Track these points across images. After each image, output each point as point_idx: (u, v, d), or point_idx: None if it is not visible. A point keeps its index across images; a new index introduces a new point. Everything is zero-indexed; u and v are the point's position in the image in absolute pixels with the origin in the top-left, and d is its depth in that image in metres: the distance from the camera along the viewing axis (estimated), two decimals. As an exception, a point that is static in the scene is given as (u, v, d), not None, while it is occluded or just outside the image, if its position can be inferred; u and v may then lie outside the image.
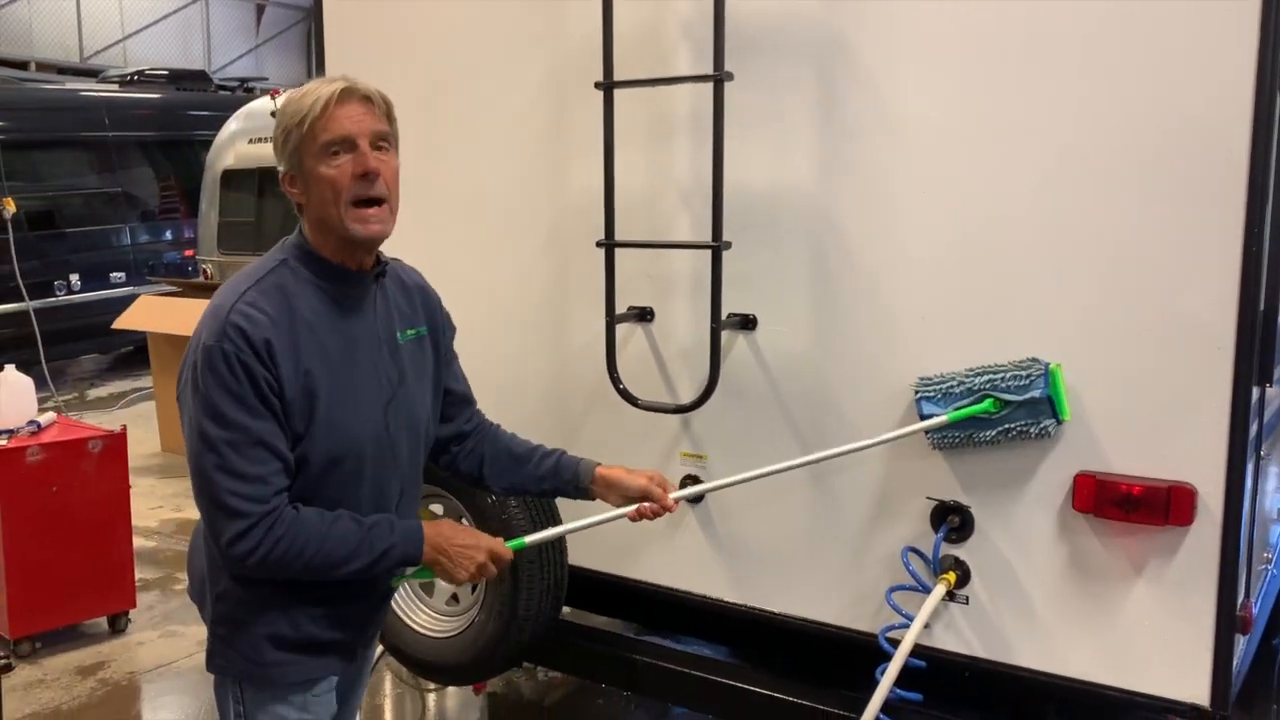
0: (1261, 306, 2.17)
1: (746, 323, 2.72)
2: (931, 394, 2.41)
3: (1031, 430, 2.32)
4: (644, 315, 2.88)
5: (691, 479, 2.85)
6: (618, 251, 2.77)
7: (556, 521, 2.85)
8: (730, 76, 2.54)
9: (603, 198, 2.73)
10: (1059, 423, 2.31)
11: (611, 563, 3.01)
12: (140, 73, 11.42)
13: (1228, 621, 2.24)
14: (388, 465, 1.98)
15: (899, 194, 2.50)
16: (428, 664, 3.03)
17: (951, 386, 2.39)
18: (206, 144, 10.90)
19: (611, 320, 2.79)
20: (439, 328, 2.15)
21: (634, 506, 2.18)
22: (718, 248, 2.60)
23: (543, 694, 4.17)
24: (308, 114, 1.84)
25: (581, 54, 2.85)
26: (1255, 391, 2.22)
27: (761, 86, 2.62)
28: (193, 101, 11.63)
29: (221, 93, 12.15)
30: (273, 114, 8.01)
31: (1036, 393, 2.28)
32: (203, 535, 1.98)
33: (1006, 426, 2.34)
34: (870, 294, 2.56)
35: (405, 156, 3.30)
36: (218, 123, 10.04)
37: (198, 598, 2.05)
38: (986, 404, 2.33)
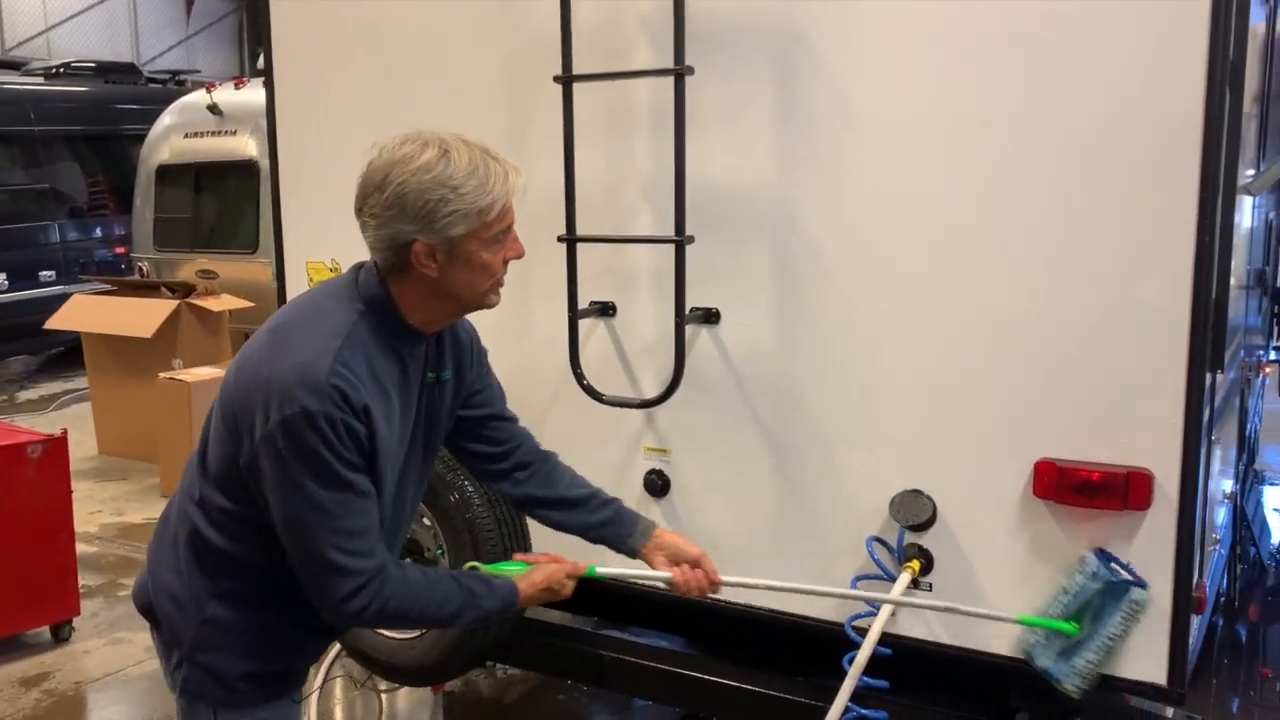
0: (1214, 295, 2.22)
1: (710, 317, 2.73)
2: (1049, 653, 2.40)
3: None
4: (606, 310, 2.87)
5: (656, 473, 2.86)
6: (580, 246, 2.76)
7: (524, 530, 2.84)
8: (691, 70, 2.54)
9: (563, 192, 2.72)
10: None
11: (576, 557, 2.99)
12: (67, 65, 11.11)
13: (1184, 602, 2.30)
14: (399, 508, 2.00)
15: (858, 187, 2.52)
16: (390, 666, 3.00)
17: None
18: (136, 139, 10.63)
19: (574, 315, 2.78)
20: (464, 363, 2.09)
21: (681, 568, 2.16)
22: (681, 242, 2.60)
23: (501, 692, 4.15)
24: (491, 203, 1.78)
25: (539, 46, 2.83)
26: (1208, 378, 2.28)
27: (722, 80, 2.63)
28: (122, 95, 11.33)
29: (152, 86, 11.86)
30: (210, 108, 7.83)
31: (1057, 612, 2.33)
32: (182, 543, 1.92)
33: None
34: (831, 287, 2.58)
35: (357, 146, 3.27)
36: (148, 117, 9.79)
37: (170, 621, 1.95)
38: (1070, 626, 2.35)
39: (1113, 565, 2.32)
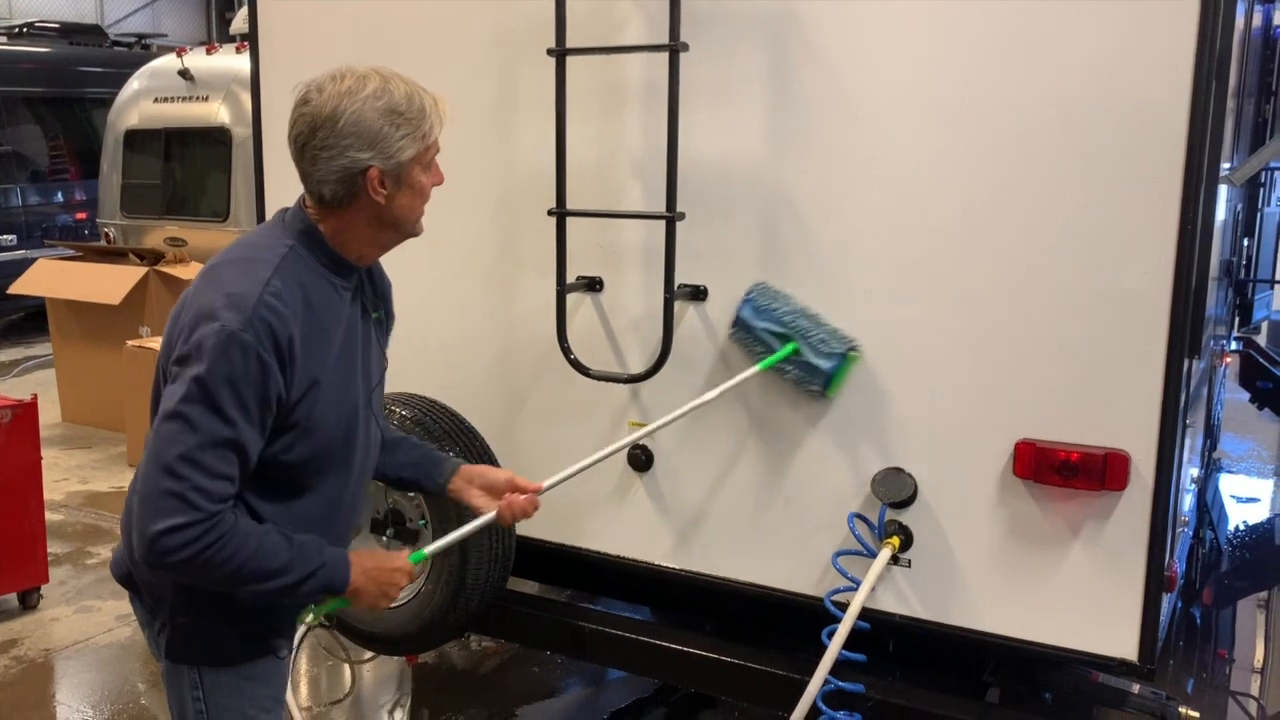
0: (1194, 282, 2.28)
1: (697, 294, 2.75)
2: (758, 302, 2.60)
3: (802, 385, 2.59)
4: (593, 285, 2.88)
5: (639, 448, 2.88)
6: (568, 221, 2.76)
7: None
8: (685, 47, 2.55)
9: (554, 166, 2.72)
10: (824, 395, 2.58)
11: (559, 532, 3.03)
12: (30, 25, 10.88)
13: (1156, 581, 2.37)
14: (363, 452, 2.00)
15: (847, 169, 2.55)
16: (370, 635, 3.01)
17: (775, 308, 2.59)
18: (99, 102, 10.44)
19: (562, 290, 2.79)
20: (389, 313, 2.14)
21: (504, 501, 2.15)
22: (671, 218, 2.62)
23: (476, 664, 4.18)
24: (432, 125, 1.86)
25: (531, 18, 2.82)
26: (1186, 363, 2.33)
27: (715, 58, 2.64)
28: (86, 57, 11.13)
29: (117, 49, 11.65)
30: (181, 73, 7.71)
31: (825, 365, 2.53)
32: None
33: (785, 369, 2.59)
34: (817, 266, 2.61)
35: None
36: (112, 80, 9.60)
37: (150, 587, 1.94)
38: (789, 349, 2.56)
39: (738, 314, 2.62)
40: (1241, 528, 5.90)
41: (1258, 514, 6.17)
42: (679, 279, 2.70)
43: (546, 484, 2.24)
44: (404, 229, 1.93)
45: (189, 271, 6.90)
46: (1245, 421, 7.45)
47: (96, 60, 11.08)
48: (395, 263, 2.96)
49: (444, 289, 3.12)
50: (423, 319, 3.15)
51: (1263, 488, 6.72)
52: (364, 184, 1.82)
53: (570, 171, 2.74)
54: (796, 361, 2.57)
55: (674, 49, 2.53)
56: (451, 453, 2.82)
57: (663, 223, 2.65)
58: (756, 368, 2.59)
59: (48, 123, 10.73)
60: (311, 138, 1.81)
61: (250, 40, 3.37)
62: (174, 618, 1.91)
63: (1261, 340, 7.44)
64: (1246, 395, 6.69)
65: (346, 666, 4.18)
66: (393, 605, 2.76)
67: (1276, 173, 6.03)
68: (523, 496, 2.16)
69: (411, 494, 2.95)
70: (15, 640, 4.23)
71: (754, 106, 2.63)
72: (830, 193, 2.57)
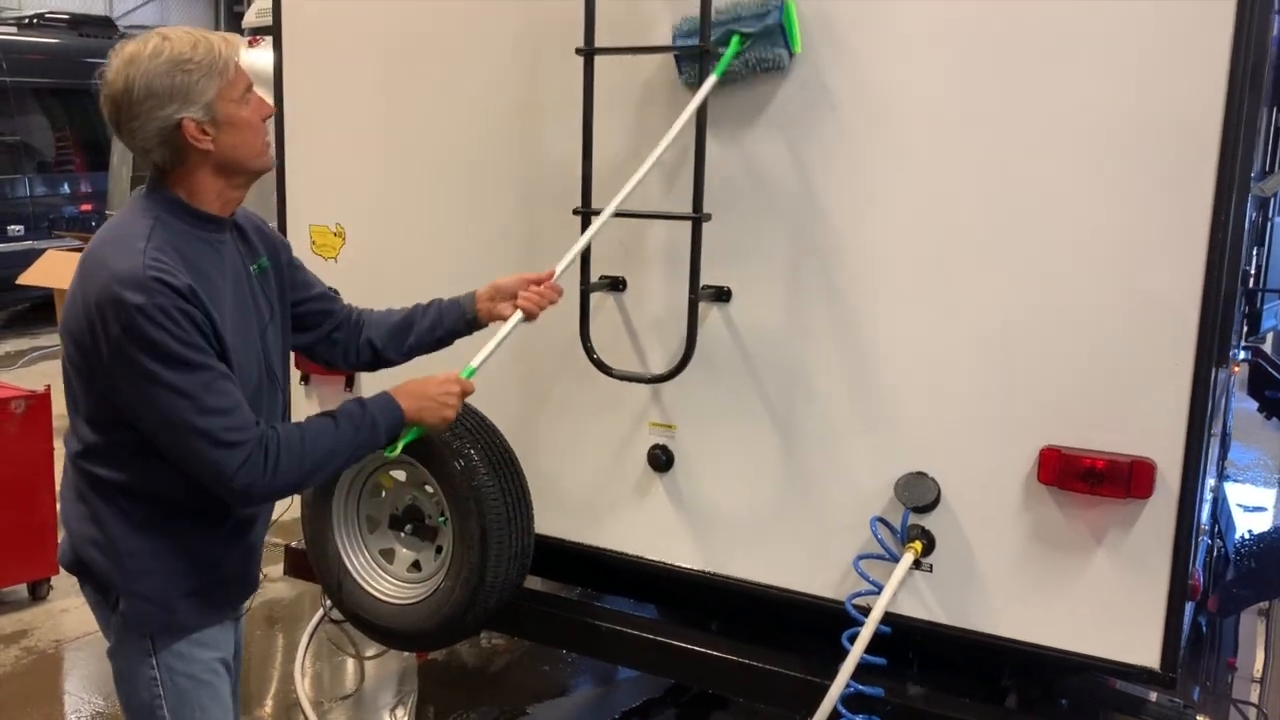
0: (1223, 291, 2.28)
1: (721, 295, 2.75)
2: (682, 29, 2.60)
3: (769, 59, 2.53)
4: (616, 284, 2.88)
5: (660, 448, 2.88)
6: (591, 219, 2.76)
7: (517, 470, 2.88)
8: (716, 48, 2.54)
9: (580, 165, 2.72)
10: (791, 54, 2.54)
11: (578, 531, 3.02)
12: (40, 16, 10.87)
13: (1180, 589, 2.36)
14: (273, 391, 2.13)
15: (875, 173, 2.54)
16: (388, 630, 3.00)
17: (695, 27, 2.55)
18: (107, 94, 10.35)
19: (586, 289, 2.78)
20: (276, 251, 2.22)
21: (522, 298, 2.38)
22: (698, 219, 2.61)
23: (487, 661, 4.18)
24: (225, 61, 1.91)
25: (557, 16, 2.82)
26: (1213, 372, 2.33)
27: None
28: (95, 49, 11.11)
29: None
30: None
31: (771, 20, 2.48)
32: (85, 491, 1.99)
33: (747, 58, 2.54)
34: (843, 269, 2.61)
35: (365, 111, 3.25)
36: (122, 72, 9.52)
37: (98, 566, 2.00)
38: (734, 43, 2.52)
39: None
40: (1247, 536, 5.90)
41: (1264, 523, 6.17)
42: (703, 279, 2.69)
43: (559, 267, 2.47)
44: (247, 166, 1.99)
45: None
46: (1250, 430, 7.45)
47: (105, 52, 11.05)
48: (417, 260, 2.97)
49: (468, 286, 3.10)
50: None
51: (1269, 497, 6.72)
52: (185, 138, 1.89)
53: (595, 170, 2.74)
54: (752, 49, 2.54)
55: (705, 50, 2.53)
56: (472, 451, 2.82)
57: (687, 223, 2.65)
58: (714, 76, 2.54)
59: (55, 114, 10.72)
60: (119, 113, 1.89)
61: (274, 37, 3.37)
62: (127, 588, 1.98)
63: (1268, 349, 7.44)
64: (1254, 404, 6.69)
65: (353, 662, 4.18)
66: (409, 602, 2.79)
67: (1288, 182, 6.03)
68: (539, 287, 2.39)
69: (430, 489, 2.96)
70: (25, 631, 4.23)
71: (782, 109, 2.62)
72: (857, 195, 2.57)
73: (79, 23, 11.36)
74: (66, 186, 10.84)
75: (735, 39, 2.53)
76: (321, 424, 2.02)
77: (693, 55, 2.59)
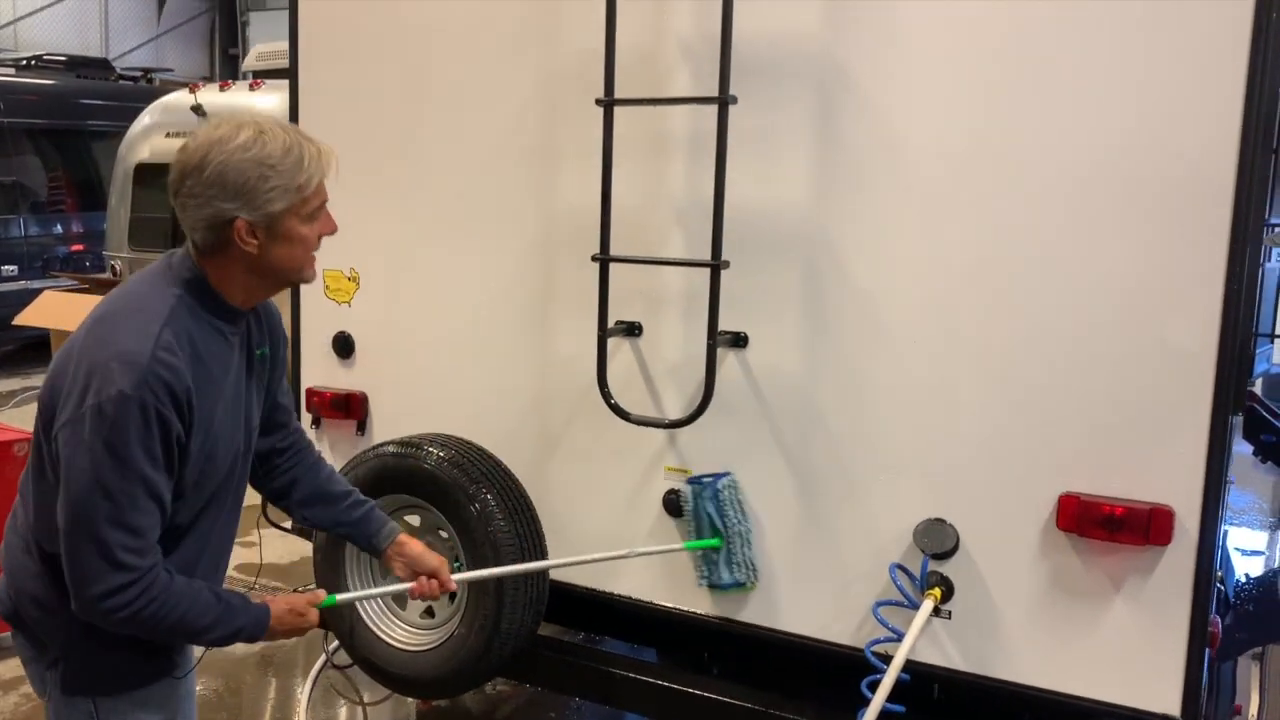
0: (1239, 339, 2.31)
1: (738, 340, 2.77)
2: (721, 494, 2.76)
3: (697, 568, 2.82)
4: (632, 330, 2.90)
5: (675, 493, 2.88)
6: (609, 266, 2.78)
7: (533, 515, 2.93)
8: (735, 100, 2.58)
9: (599, 213, 2.75)
10: (700, 584, 2.82)
11: (591, 576, 3.01)
12: (38, 58, 10.92)
13: (1200, 636, 2.37)
14: (238, 481, 2.08)
15: (892, 218, 2.58)
16: (400, 678, 2.98)
17: (728, 508, 2.76)
18: (100, 135, 10.45)
19: (603, 334, 2.80)
20: (276, 345, 2.16)
21: (416, 581, 2.25)
22: (717, 266, 2.64)
23: (492, 708, 4.14)
24: (308, 179, 1.86)
25: (575, 67, 2.86)
26: (1230, 419, 2.35)
27: (758, 108, 2.67)
28: (91, 90, 11.17)
29: (123, 83, 11.69)
30: (194, 109, 7.72)
31: (724, 578, 2.78)
32: (34, 547, 1.93)
33: (696, 553, 2.81)
34: (861, 315, 2.64)
35: (382, 156, 3.28)
36: (116, 113, 9.61)
37: (38, 623, 1.95)
38: (715, 542, 2.77)
39: (700, 480, 2.79)
40: (1245, 580, 5.92)
41: (1260, 567, 6.19)
42: (720, 325, 2.71)
43: (458, 578, 2.37)
44: (285, 278, 1.95)
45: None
46: (1245, 474, 7.48)
47: (101, 93, 11.13)
48: (431, 305, 2.97)
49: (482, 331, 3.13)
50: (461, 361, 3.16)
51: (1265, 541, 6.75)
52: (232, 234, 1.83)
53: (613, 217, 2.76)
54: (710, 556, 2.78)
55: (724, 101, 2.57)
56: (488, 495, 2.82)
57: (704, 269, 2.67)
58: (681, 546, 2.81)
59: (48, 155, 10.74)
60: (182, 184, 1.83)
61: (290, 81, 3.40)
62: (69, 649, 1.93)
63: (1258, 393, 7.50)
64: (1248, 448, 6.73)
65: (352, 709, 4.14)
66: (422, 649, 2.77)
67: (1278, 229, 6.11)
68: (435, 584, 2.25)
69: (445, 534, 2.95)
70: (24, 677, 4.17)
71: (797, 156, 2.66)
72: (874, 243, 2.60)
73: (76, 64, 11.41)
74: (59, 227, 10.83)
75: (718, 542, 2.77)
76: (207, 601, 1.91)
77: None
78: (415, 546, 2.27)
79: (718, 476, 2.77)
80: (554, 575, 2.96)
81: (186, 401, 1.80)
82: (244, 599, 1.98)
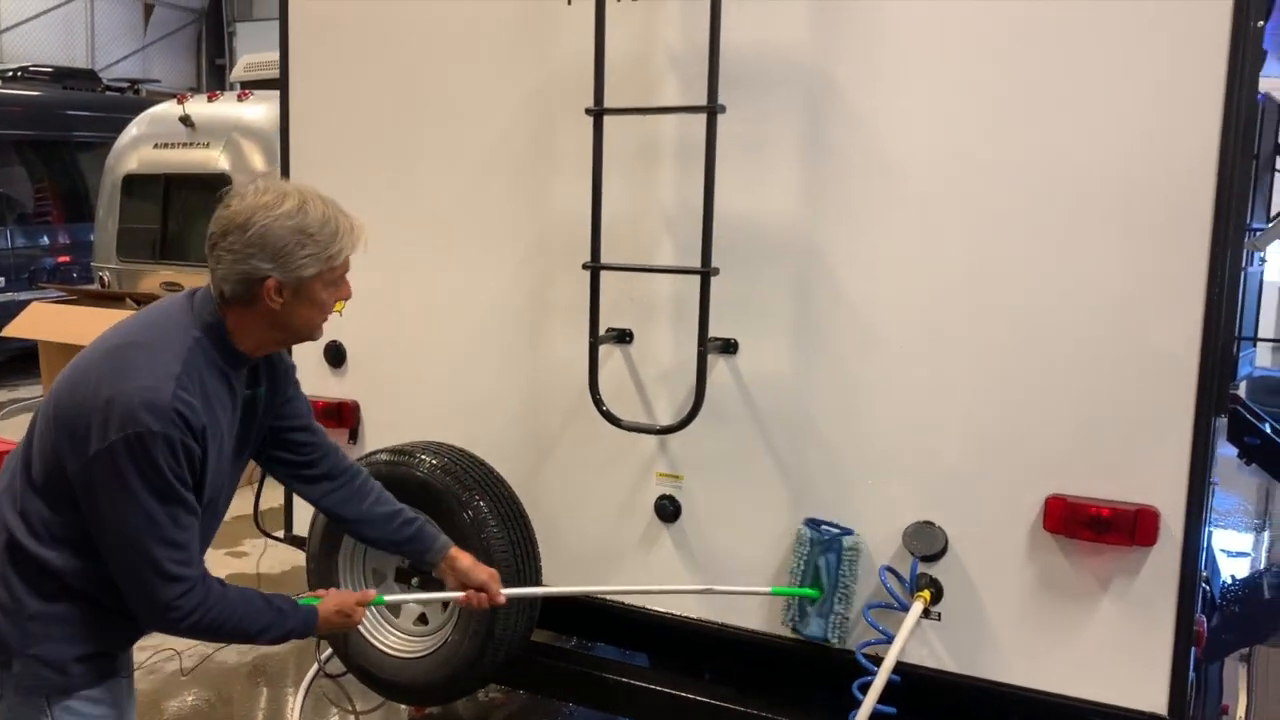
0: (1220, 343, 2.35)
1: (728, 346, 2.79)
2: (845, 553, 2.69)
3: (788, 614, 2.77)
4: (623, 337, 2.92)
5: (667, 498, 2.91)
6: (600, 273, 2.81)
7: (525, 522, 2.94)
8: (723, 109, 2.61)
9: (589, 221, 2.77)
10: (784, 624, 2.77)
11: (584, 582, 3.03)
12: (24, 69, 10.90)
13: (1186, 635, 2.40)
14: (214, 514, 2.18)
15: (878, 226, 2.61)
16: (394, 684, 2.99)
17: (844, 568, 2.69)
18: (86, 146, 10.43)
19: (595, 341, 2.82)
20: (278, 384, 2.26)
21: (468, 592, 2.44)
22: (707, 273, 2.66)
23: (484, 715, 4.14)
24: (339, 251, 2.02)
25: (566, 77, 2.89)
26: (1213, 421, 2.39)
27: (747, 117, 2.70)
28: (77, 101, 11.13)
29: (110, 94, 11.67)
30: (182, 119, 7.70)
31: (810, 629, 2.74)
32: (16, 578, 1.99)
33: (790, 600, 2.77)
34: (849, 321, 2.67)
35: (375, 170, 3.29)
36: (102, 124, 9.59)
37: (1, 624, 2.00)
38: (812, 593, 2.71)
39: (822, 527, 2.70)
40: (1231, 582, 5.97)
41: (1246, 569, 6.25)
42: (709, 331, 2.74)
43: (507, 593, 2.49)
44: (299, 335, 2.11)
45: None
46: (1229, 476, 7.55)
47: (87, 104, 11.10)
48: (425, 311, 2.98)
49: (474, 339, 3.15)
50: (453, 369, 3.18)
51: (1249, 542, 6.81)
52: (261, 291, 1.98)
53: (603, 225, 2.79)
54: (801, 605, 2.74)
55: (712, 110, 2.60)
56: (480, 502, 2.84)
57: (694, 277, 2.70)
58: (771, 590, 2.77)
59: (35, 166, 10.71)
60: (222, 239, 1.97)
61: (281, 89, 3.42)
62: (23, 650, 1.99)
63: (1242, 396, 7.57)
64: (1233, 450, 6.79)
65: (351, 718, 4.14)
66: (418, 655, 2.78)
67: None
68: (485, 597, 2.43)
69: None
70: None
71: (786, 164, 2.69)
72: (863, 249, 2.63)
73: (63, 75, 11.38)
74: (46, 238, 10.80)
75: (815, 593, 2.71)
76: (259, 607, 2.10)
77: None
78: (466, 560, 2.45)
79: (844, 532, 2.69)
80: (549, 581, 2.98)
81: (202, 434, 1.96)
82: (292, 602, 2.17)
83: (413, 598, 2.85)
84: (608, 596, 3.00)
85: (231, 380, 2.07)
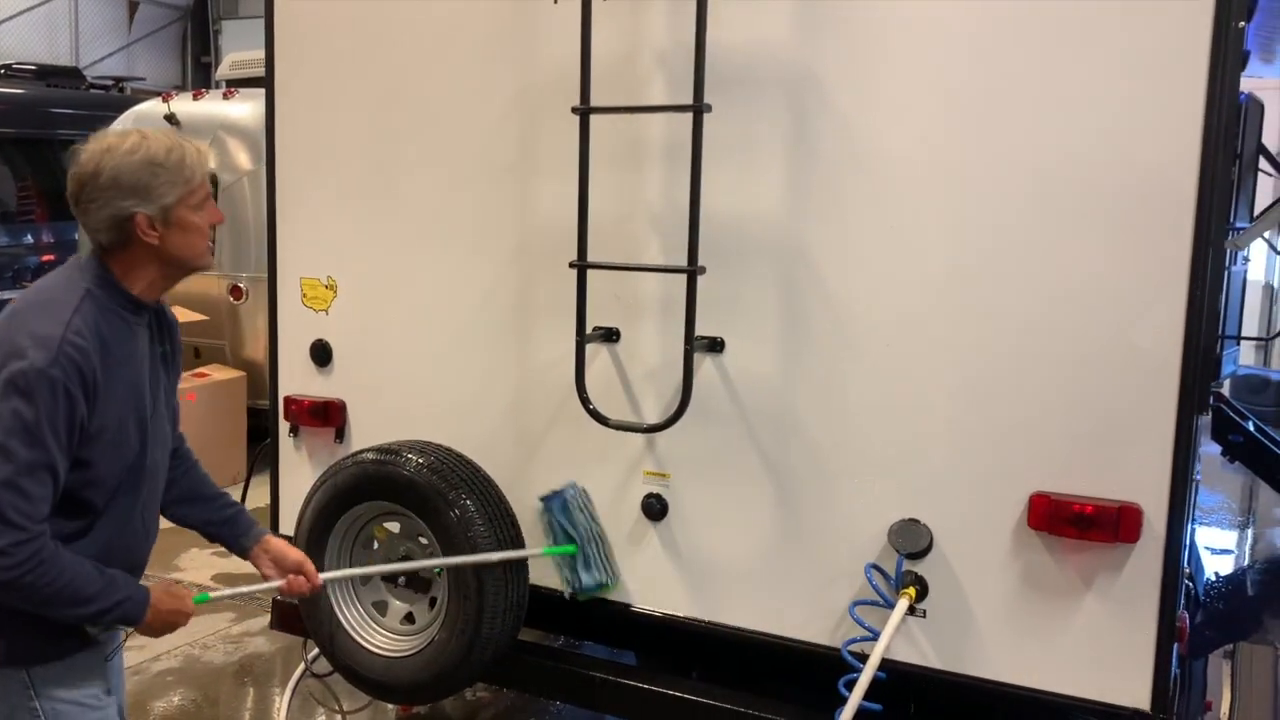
0: (1202, 341, 2.36)
1: (714, 345, 2.80)
2: (569, 503, 2.93)
3: (561, 575, 2.96)
4: (610, 335, 2.93)
5: (654, 497, 2.91)
6: (587, 272, 2.81)
7: (512, 520, 2.95)
8: (709, 108, 2.62)
9: (576, 220, 2.77)
10: (567, 593, 2.95)
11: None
12: (8, 67, 10.83)
13: (1168, 631, 2.42)
14: (153, 470, 2.20)
15: (863, 224, 2.62)
16: (381, 683, 2.99)
17: (576, 516, 2.92)
18: (69, 144, 10.28)
19: (582, 340, 2.82)
20: (175, 348, 2.29)
21: (288, 578, 2.41)
22: (693, 272, 2.67)
23: (472, 714, 4.15)
24: (192, 172, 2.04)
25: (552, 75, 2.89)
26: (1195, 419, 2.41)
27: (733, 116, 2.71)
28: (61, 99, 11.06)
29: (94, 92, 11.60)
30: (167, 118, 7.65)
31: (585, 579, 2.92)
32: None
33: (559, 560, 2.96)
34: (834, 320, 2.68)
35: (360, 167, 3.29)
36: (85, 122, 9.47)
37: None
38: (570, 549, 2.91)
39: (549, 495, 2.92)
40: (1215, 579, 6.01)
41: (1230, 566, 6.29)
42: (696, 330, 2.74)
43: (324, 577, 2.55)
44: (187, 265, 2.12)
45: (175, 314, 6.88)
46: (1213, 474, 7.60)
47: (71, 102, 11.03)
48: (411, 309, 2.98)
49: (460, 338, 3.15)
50: (440, 367, 3.18)
51: (1233, 540, 6.86)
52: (134, 229, 2.01)
53: (590, 224, 2.79)
54: (569, 562, 2.92)
55: (698, 109, 2.60)
56: (467, 501, 2.84)
57: (680, 275, 2.71)
58: (540, 550, 2.93)
59: (18, 164, 10.64)
60: (81, 192, 2.02)
61: (267, 90, 3.41)
62: (7, 624, 2.02)
63: (1226, 394, 7.63)
64: (1216, 448, 6.84)
65: (338, 717, 4.13)
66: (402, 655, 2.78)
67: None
68: (304, 580, 2.41)
69: (424, 540, 2.97)
70: None
71: (772, 164, 2.70)
72: (846, 247, 2.65)
73: (46, 73, 11.31)
74: (30, 237, 10.73)
75: (573, 548, 2.92)
76: (89, 573, 2.02)
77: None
78: (279, 544, 2.43)
79: (565, 487, 2.92)
80: (534, 580, 2.98)
81: (93, 382, 1.96)
82: (127, 577, 2.10)
83: (230, 591, 2.63)
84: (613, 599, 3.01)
85: (133, 328, 2.09)
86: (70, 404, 1.93)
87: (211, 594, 2.40)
